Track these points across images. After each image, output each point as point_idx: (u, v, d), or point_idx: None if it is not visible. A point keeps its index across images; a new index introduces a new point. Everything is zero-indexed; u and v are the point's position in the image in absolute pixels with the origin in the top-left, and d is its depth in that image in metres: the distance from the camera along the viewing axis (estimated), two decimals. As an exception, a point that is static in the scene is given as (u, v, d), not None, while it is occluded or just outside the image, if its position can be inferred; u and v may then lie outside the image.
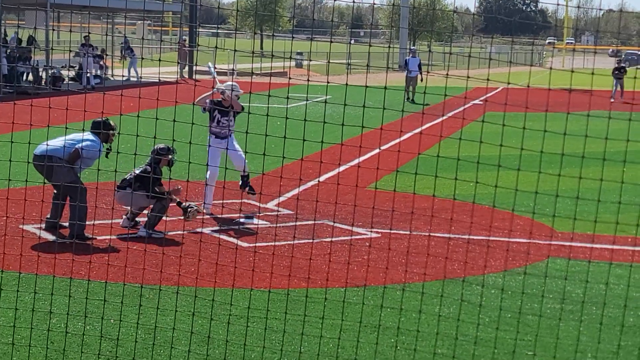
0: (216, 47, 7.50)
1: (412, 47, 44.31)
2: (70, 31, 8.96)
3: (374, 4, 7.38)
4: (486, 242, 12.23)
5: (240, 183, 14.59)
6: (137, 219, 13.04)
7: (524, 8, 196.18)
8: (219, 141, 14.13)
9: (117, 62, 48.50)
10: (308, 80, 7.47)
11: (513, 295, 10.05)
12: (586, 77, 8.54)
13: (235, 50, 7.50)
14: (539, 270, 11.14)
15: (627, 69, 43.41)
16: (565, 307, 9.71)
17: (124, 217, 13.03)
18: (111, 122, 12.35)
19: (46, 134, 9.59)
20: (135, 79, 46.92)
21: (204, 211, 13.95)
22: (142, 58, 7.92)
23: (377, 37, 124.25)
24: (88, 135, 12.14)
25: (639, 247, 12.49)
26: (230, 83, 14.29)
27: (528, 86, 8.07)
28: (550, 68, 7.66)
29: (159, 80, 9.53)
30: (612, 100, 38.93)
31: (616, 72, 40.97)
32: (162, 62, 7.94)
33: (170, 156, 12.88)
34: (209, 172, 14.13)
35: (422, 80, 38.10)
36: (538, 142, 9.24)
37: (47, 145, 11.93)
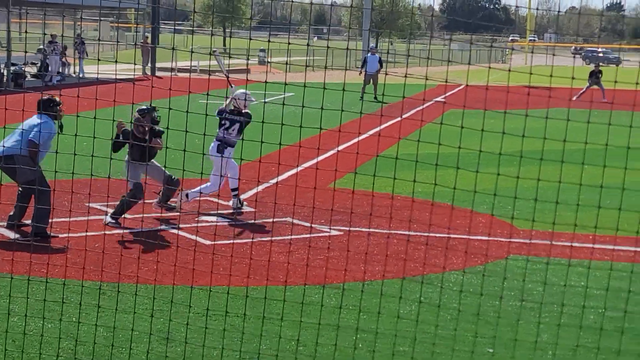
0: (173, 48, 7.48)
1: (371, 45, 44.54)
2: (26, 31, 8.90)
3: (332, 5, 7.40)
4: (446, 240, 12.28)
5: (232, 202, 14.53)
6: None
7: (487, 5, 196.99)
8: (228, 150, 14.22)
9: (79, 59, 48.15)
10: (266, 81, 7.46)
11: (473, 293, 10.09)
12: (548, 74, 8.60)
13: (192, 52, 7.49)
14: (499, 268, 11.21)
15: (590, 66, 43.71)
16: (525, 305, 9.77)
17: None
18: (57, 98, 12.40)
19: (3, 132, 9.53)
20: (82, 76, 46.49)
21: (183, 199, 14.00)
22: (99, 60, 7.85)
23: (340, 34, 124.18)
24: (38, 118, 12.17)
25: (598, 244, 12.57)
26: (243, 91, 14.41)
27: (486, 88, 8.12)
28: (509, 70, 7.70)
29: (116, 78, 9.49)
30: (574, 98, 39.26)
31: (594, 76, 41.41)
32: (119, 60, 7.91)
33: (152, 115, 13.08)
34: (226, 178, 14.04)
35: (379, 71, 38.92)
36: (498, 140, 9.28)
37: (4, 147, 11.96)
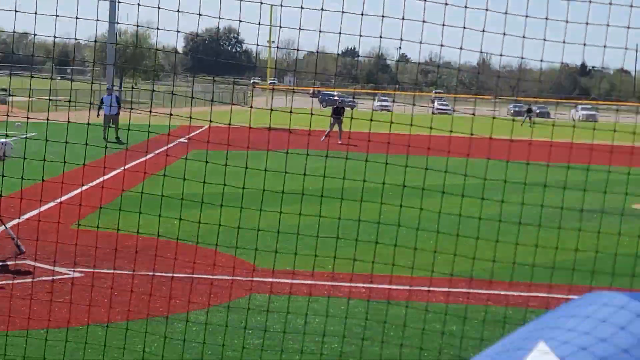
0: None
1: (108, 86, 44.28)
2: None
3: (69, 58, 7.40)
4: (190, 280, 12.36)
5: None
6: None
7: (229, 49, 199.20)
8: None
9: None
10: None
11: (216, 331, 10.21)
12: (288, 116, 8.92)
13: None
14: (241, 306, 11.37)
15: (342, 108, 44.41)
16: (265, 342, 9.96)
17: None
18: None
19: None
20: None
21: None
22: None
23: (84, 74, 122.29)
24: None
25: (336, 282, 12.97)
26: (5, 141, 14.20)
27: (229, 126, 8.31)
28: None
29: None
30: (321, 139, 40.10)
31: (335, 113, 42.30)
32: None
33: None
34: None
35: (117, 113, 38.96)
36: (241, 180, 9.49)
37: None
